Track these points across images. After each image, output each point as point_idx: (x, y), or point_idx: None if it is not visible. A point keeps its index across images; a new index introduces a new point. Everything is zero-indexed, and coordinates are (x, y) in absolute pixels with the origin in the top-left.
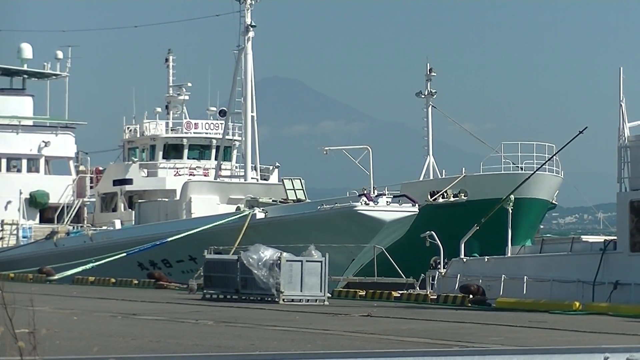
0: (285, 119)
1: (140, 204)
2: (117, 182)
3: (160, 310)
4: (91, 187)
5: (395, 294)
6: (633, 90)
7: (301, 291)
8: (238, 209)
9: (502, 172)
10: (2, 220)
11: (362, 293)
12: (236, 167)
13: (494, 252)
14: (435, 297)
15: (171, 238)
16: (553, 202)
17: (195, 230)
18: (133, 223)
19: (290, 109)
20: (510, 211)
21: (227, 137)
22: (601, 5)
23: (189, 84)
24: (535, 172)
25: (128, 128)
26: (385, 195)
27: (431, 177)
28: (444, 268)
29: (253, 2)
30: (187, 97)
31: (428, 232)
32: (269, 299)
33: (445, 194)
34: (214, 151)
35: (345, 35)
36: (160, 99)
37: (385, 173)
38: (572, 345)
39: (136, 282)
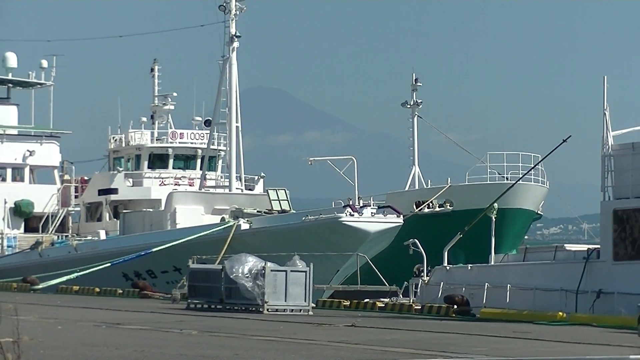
0: (270, 129)
1: (125, 214)
2: (102, 192)
3: (145, 319)
4: (76, 197)
5: (379, 304)
6: (617, 100)
7: (285, 301)
8: (223, 219)
9: (488, 182)
10: None
11: (347, 303)
12: (221, 177)
13: (480, 262)
14: (420, 307)
15: (156, 249)
16: (538, 212)
17: (179, 241)
18: (118, 233)
19: (275, 119)
20: (494, 219)
21: (212, 147)
22: (585, 15)
23: (175, 94)
24: (518, 180)
25: (113, 137)
26: (370, 206)
27: (417, 187)
28: (427, 276)
29: (238, 13)
30: (172, 107)
31: (411, 239)
32: (254, 308)
33: (430, 204)
34: (199, 161)
35: (331, 45)
36: (145, 109)
37: (371, 183)
38: (557, 356)
39: (120, 291)
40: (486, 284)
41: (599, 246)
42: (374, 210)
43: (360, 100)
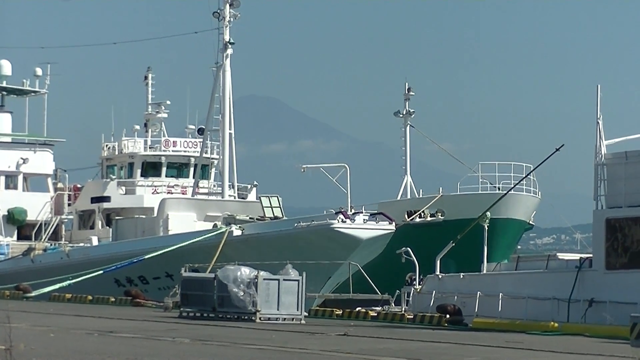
0: (264, 137)
1: (118, 221)
2: (95, 200)
3: (137, 328)
4: (69, 205)
5: (372, 313)
6: (611, 109)
7: (278, 310)
8: (215, 226)
9: (480, 192)
10: None
11: (339, 312)
12: (214, 185)
13: (471, 272)
14: (412, 316)
15: (148, 255)
16: (530, 222)
17: (172, 248)
18: (110, 240)
19: (269, 127)
20: (486, 228)
21: (205, 155)
22: (578, 24)
23: (168, 102)
24: (509, 190)
25: (106, 145)
26: (362, 213)
27: (408, 197)
28: (419, 284)
29: (231, 20)
30: (165, 115)
31: (404, 248)
32: (246, 317)
33: (422, 214)
34: (192, 169)
35: (324, 54)
36: (139, 117)
37: (363, 192)
38: None
39: (113, 299)
40: (478, 292)
41: (591, 255)
42: (366, 217)
43: (354, 109)
